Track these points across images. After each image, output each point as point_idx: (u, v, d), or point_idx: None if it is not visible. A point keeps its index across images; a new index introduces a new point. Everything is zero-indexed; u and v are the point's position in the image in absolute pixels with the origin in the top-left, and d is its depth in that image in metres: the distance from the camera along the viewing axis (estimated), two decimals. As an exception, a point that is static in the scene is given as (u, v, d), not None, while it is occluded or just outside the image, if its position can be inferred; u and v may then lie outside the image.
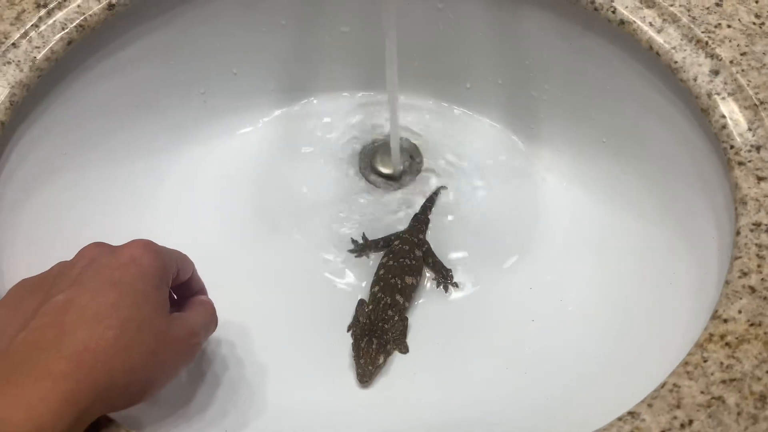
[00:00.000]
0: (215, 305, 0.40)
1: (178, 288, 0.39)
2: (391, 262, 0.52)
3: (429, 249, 0.54)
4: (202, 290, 0.41)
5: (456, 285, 0.52)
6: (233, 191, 0.57)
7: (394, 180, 0.58)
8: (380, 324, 0.49)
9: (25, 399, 0.26)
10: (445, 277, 0.53)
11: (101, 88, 0.50)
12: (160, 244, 0.36)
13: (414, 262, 0.52)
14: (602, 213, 0.53)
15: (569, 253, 0.53)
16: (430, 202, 0.57)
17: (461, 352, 0.49)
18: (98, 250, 0.34)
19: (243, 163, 0.58)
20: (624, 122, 0.51)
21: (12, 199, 0.44)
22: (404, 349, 0.49)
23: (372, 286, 0.51)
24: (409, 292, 0.51)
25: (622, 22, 0.45)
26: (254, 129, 0.60)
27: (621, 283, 0.49)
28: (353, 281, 0.53)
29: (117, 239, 0.36)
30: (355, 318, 0.51)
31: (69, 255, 0.35)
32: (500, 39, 0.55)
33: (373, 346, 0.47)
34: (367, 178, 0.58)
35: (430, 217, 0.56)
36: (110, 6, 0.46)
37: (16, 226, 0.45)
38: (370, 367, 0.47)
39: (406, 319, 0.50)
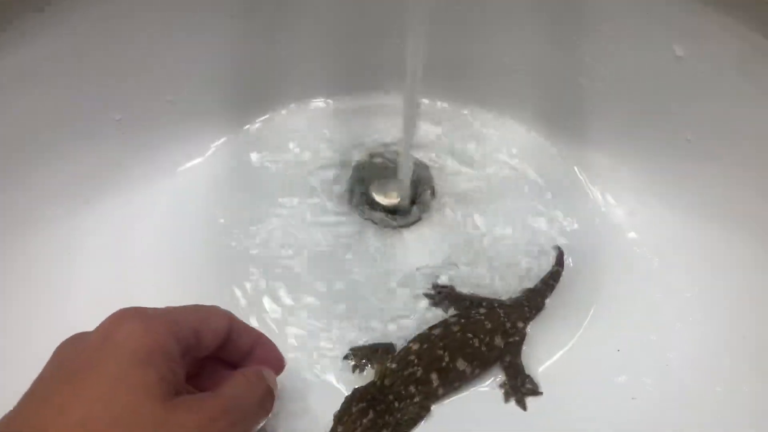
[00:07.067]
0: None
1: (224, 353, 0.32)
2: (456, 329, 0.37)
3: (517, 344, 0.38)
4: (262, 348, 0.33)
5: (540, 393, 0.37)
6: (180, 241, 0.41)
7: (398, 214, 0.44)
8: (391, 397, 0.35)
9: None
10: (518, 387, 0.37)
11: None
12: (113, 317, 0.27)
13: (484, 349, 0.37)
14: (692, 229, 0.40)
15: (659, 292, 0.39)
16: (554, 279, 0.41)
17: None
18: (68, 342, 0.29)
19: (189, 205, 0.43)
20: (721, 111, 0.37)
21: None
22: None
23: (411, 341, 0.37)
24: (453, 380, 0.36)
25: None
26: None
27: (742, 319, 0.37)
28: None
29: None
30: (366, 354, 0.37)
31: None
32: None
33: (364, 421, 0.34)
34: (362, 214, 0.44)
35: (547, 302, 0.40)
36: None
37: None
38: None
39: (429, 409, 0.36)
